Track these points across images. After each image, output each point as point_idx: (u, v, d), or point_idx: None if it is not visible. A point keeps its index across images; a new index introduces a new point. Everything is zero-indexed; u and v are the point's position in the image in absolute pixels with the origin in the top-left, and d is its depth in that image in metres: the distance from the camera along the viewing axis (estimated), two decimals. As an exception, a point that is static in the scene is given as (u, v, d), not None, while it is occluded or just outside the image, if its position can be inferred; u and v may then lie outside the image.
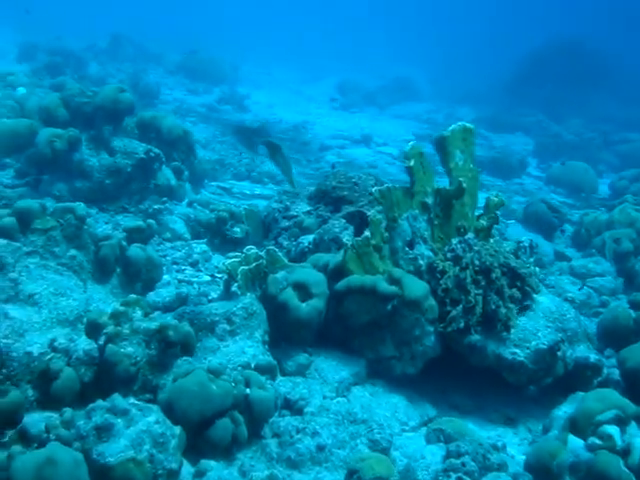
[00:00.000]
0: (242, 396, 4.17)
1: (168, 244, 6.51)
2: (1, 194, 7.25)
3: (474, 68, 32.06)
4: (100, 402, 3.67)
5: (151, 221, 6.32)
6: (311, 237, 6.00)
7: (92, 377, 4.13)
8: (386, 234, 5.35)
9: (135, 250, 5.36)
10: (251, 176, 11.49)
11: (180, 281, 5.75)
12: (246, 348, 4.75)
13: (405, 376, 5.23)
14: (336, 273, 5.30)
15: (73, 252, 5.09)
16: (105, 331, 4.15)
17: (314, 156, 15.09)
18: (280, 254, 5.33)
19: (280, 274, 5.19)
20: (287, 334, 5.16)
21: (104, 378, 4.11)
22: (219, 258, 6.24)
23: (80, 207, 5.31)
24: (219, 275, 5.89)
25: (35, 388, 3.96)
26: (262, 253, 5.23)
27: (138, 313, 4.88)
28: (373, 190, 5.34)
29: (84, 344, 4.18)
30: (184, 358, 4.40)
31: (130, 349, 4.11)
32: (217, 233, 6.49)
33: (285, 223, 6.30)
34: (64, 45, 19.90)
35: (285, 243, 6.22)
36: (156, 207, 6.78)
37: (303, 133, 17.88)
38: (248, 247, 5.24)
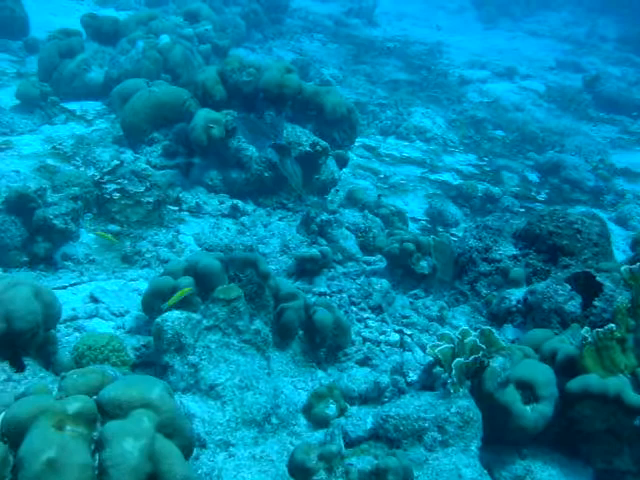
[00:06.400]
0: None
1: (340, 269, 5.64)
2: (150, 179, 6.51)
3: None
4: None
5: (327, 249, 5.44)
6: (520, 293, 5.02)
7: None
8: (632, 322, 4.35)
9: (323, 314, 4.51)
10: (397, 131, 10.42)
11: (365, 340, 4.91)
12: (462, 468, 3.93)
13: (637, 493, 4.36)
14: (566, 366, 4.36)
15: (257, 324, 4.28)
16: (316, 479, 3.38)
17: (455, 93, 13.79)
18: (497, 336, 4.40)
19: (498, 362, 4.28)
20: (501, 435, 4.31)
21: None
22: (402, 300, 5.33)
23: (262, 261, 4.47)
24: (408, 332, 5.04)
25: None
26: (476, 338, 4.31)
27: (332, 408, 4.16)
28: (622, 270, 4.30)
29: (291, 493, 3.44)
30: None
31: (347, 506, 3.34)
32: (399, 263, 5.55)
33: (485, 267, 5.29)
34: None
35: (484, 292, 5.25)
36: (325, 218, 5.87)
37: (438, 58, 16.49)
38: (463, 330, 4.33)
